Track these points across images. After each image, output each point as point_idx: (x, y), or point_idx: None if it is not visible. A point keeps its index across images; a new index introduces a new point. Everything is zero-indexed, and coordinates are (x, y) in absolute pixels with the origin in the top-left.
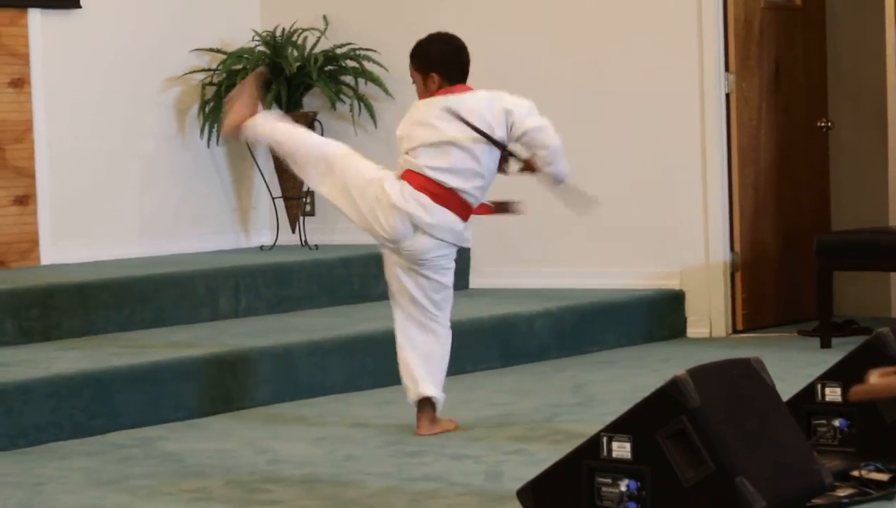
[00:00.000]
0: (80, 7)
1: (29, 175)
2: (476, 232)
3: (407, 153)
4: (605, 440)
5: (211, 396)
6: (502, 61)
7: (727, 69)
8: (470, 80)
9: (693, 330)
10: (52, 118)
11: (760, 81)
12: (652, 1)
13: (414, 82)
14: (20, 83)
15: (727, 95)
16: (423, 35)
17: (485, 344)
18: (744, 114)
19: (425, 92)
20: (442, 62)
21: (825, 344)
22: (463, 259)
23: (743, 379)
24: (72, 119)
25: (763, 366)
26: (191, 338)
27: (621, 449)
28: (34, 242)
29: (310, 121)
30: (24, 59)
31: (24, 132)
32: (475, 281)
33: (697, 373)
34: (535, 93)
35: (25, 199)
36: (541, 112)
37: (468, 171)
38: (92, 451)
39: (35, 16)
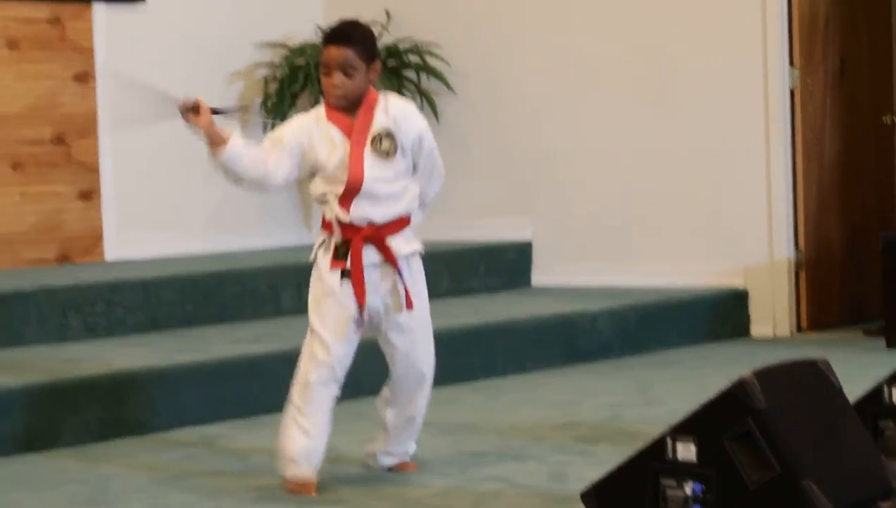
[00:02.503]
0: (143, 1)
1: (93, 170)
2: (538, 230)
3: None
4: (669, 441)
5: (274, 393)
6: (565, 56)
7: (792, 64)
8: (534, 73)
9: (757, 329)
10: (116, 112)
11: (825, 76)
12: None
13: (347, 73)
14: (85, 77)
15: (791, 91)
16: (486, 31)
17: (547, 342)
18: (808, 109)
19: (363, 86)
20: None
21: (891, 344)
22: (525, 257)
23: (810, 381)
24: (136, 113)
25: (830, 368)
26: (254, 335)
27: (686, 451)
28: (98, 237)
29: None
30: (88, 53)
31: (88, 126)
32: (537, 279)
33: (763, 375)
34: (599, 87)
35: (90, 194)
36: (604, 107)
37: None
38: (156, 448)
39: (100, 10)
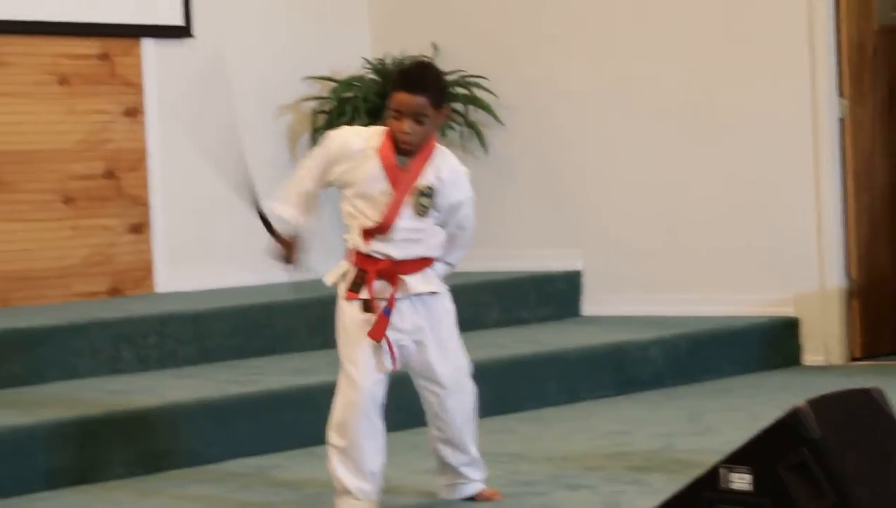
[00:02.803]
0: (192, 36)
1: (143, 203)
2: (588, 259)
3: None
4: (723, 471)
5: (326, 424)
6: (613, 88)
7: (840, 94)
8: (581, 105)
9: (808, 358)
10: (165, 146)
11: (874, 105)
12: (763, 26)
13: (419, 120)
14: (134, 112)
15: (840, 120)
16: (533, 63)
17: (599, 371)
18: (858, 138)
19: (431, 131)
20: None
21: None
22: (574, 287)
23: (864, 410)
24: (185, 147)
25: (884, 397)
26: (305, 366)
27: (741, 481)
28: (148, 270)
29: None
30: (137, 88)
31: (138, 161)
32: (587, 309)
33: (818, 404)
34: (647, 117)
35: (140, 227)
36: (653, 137)
37: None
38: (208, 479)
39: (148, 45)
